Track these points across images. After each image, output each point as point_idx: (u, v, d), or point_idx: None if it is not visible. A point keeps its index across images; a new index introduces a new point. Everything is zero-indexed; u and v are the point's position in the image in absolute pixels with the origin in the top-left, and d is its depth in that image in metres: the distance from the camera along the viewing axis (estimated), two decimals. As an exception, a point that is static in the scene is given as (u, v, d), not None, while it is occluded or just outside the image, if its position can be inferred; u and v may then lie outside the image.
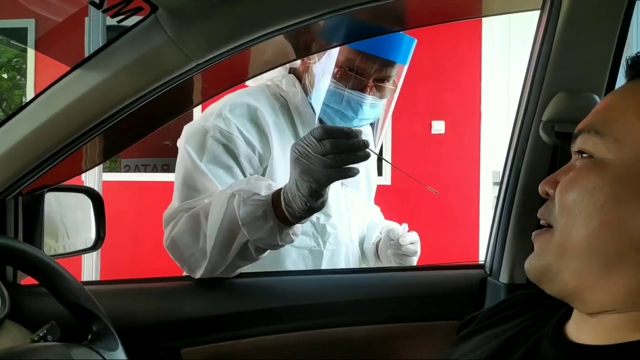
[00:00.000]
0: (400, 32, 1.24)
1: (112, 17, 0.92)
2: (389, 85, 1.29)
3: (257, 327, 1.07)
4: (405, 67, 1.30)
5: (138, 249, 3.87)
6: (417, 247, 1.34)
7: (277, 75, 1.35)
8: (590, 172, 0.59)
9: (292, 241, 1.07)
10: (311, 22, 0.88)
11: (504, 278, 1.01)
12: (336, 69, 1.25)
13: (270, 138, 1.27)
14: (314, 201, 0.98)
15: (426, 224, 3.56)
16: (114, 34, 0.98)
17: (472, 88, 3.82)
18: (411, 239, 1.34)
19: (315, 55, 1.28)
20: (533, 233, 0.64)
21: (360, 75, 1.25)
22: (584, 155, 0.61)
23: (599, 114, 0.63)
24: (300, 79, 1.35)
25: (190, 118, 4.24)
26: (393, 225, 1.44)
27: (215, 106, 1.29)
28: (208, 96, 1.25)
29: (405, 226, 1.39)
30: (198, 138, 1.25)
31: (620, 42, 0.92)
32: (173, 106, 1.17)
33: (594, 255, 0.57)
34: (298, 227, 1.08)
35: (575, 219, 0.58)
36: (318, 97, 1.29)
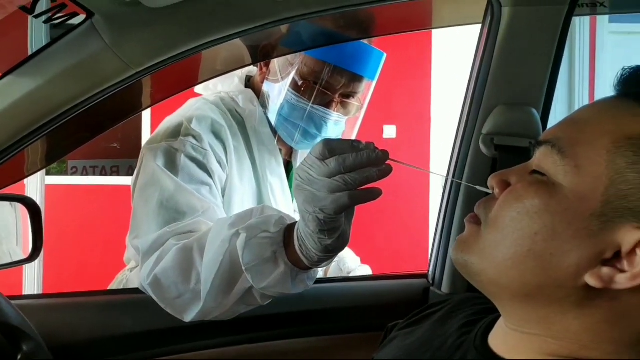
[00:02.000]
0: (370, 45, 1.18)
1: (45, 22, 0.89)
2: (354, 102, 1.20)
3: (199, 342, 1.05)
4: (373, 84, 1.22)
5: (84, 257, 3.76)
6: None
7: (234, 90, 1.25)
8: (537, 194, 0.56)
9: (308, 288, 0.90)
10: (251, 32, 0.87)
11: (445, 288, 1.02)
12: (300, 82, 1.15)
13: (231, 161, 1.17)
14: (327, 237, 0.79)
15: (376, 229, 3.60)
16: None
17: (422, 93, 3.88)
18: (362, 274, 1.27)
19: (276, 64, 1.19)
20: (468, 215, 0.63)
21: (326, 90, 1.15)
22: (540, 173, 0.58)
23: (570, 128, 0.58)
24: (257, 91, 1.25)
25: (139, 123, 4.13)
26: (345, 254, 1.36)
27: (174, 120, 1.17)
28: (155, 101, 1.20)
29: (357, 260, 1.33)
30: (169, 157, 1.09)
31: (558, 56, 0.94)
32: (116, 112, 1.13)
33: (514, 277, 0.56)
34: (315, 271, 0.91)
35: (507, 236, 0.57)
36: (278, 112, 1.19)
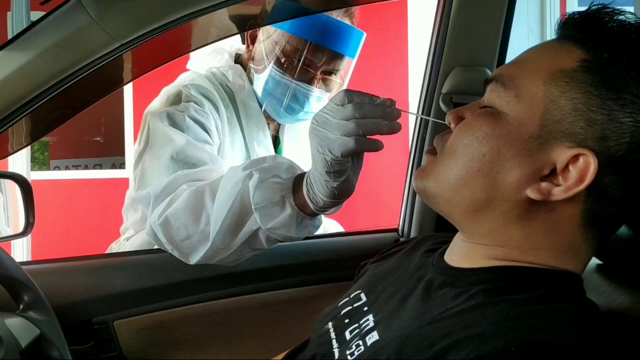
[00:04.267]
0: (350, 25, 1.22)
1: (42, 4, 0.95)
2: (336, 79, 1.26)
3: (188, 297, 1.12)
4: (354, 61, 1.26)
5: (70, 250, 3.79)
6: None
7: (224, 65, 1.31)
8: (484, 122, 0.64)
9: (311, 234, 0.94)
10: (232, 4, 0.94)
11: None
12: (283, 59, 1.21)
13: (224, 129, 1.23)
14: (332, 180, 0.83)
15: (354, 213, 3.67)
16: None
17: (400, 73, 3.96)
18: None
19: (261, 43, 1.25)
20: (428, 149, 0.71)
21: (307, 67, 1.21)
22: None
23: (513, 66, 0.66)
24: (246, 67, 1.31)
25: (121, 119, 4.13)
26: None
27: (172, 90, 1.23)
28: (141, 73, 1.25)
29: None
30: (174, 119, 1.15)
31: (508, 20, 1.03)
32: (99, 86, 1.19)
33: (466, 195, 0.65)
34: (319, 219, 0.95)
35: (459, 160, 0.65)
36: (263, 87, 1.26)
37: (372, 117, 0.78)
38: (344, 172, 0.83)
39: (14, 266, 0.92)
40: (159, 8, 0.95)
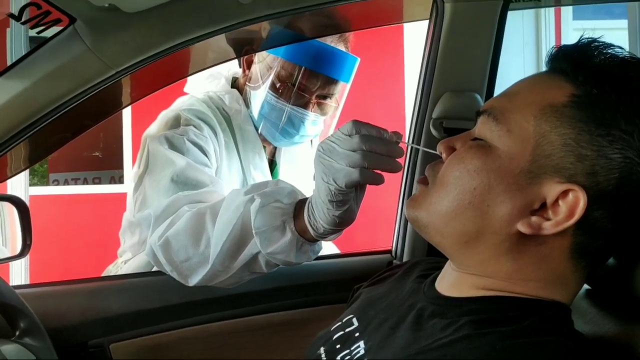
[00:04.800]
0: (344, 51, 1.26)
1: (32, 28, 0.97)
2: (331, 103, 1.28)
3: (183, 319, 1.13)
4: (348, 86, 1.29)
5: (68, 265, 3.79)
6: None
7: (221, 90, 1.33)
8: (476, 155, 0.64)
9: (310, 259, 0.95)
10: (221, 33, 0.96)
11: (406, 259, 1.12)
12: (278, 84, 1.24)
13: (221, 153, 1.25)
14: (335, 209, 0.84)
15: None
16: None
17: (396, 94, 4.00)
18: None
19: (257, 67, 1.28)
20: (419, 177, 0.72)
21: (302, 92, 1.23)
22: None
23: (504, 99, 0.66)
24: (241, 91, 1.33)
25: (119, 134, 4.13)
26: None
27: (170, 114, 1.25)
28: (138, 97, 1.27)
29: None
30: (174, 142, 1.17)
31: (497, 46, 1.05)
32: (96, 111, 1.20)
33: (457, 226, 0.66)
34: (319, 245, 0.96)
35: (450, 192, 0.65)
36: (259, 111, 1.28)
37: (377, 151, 0.80)
38: (346, 202, 0.84)
39: (9, 292, 0.93)
40: (154, 36, 0.97)
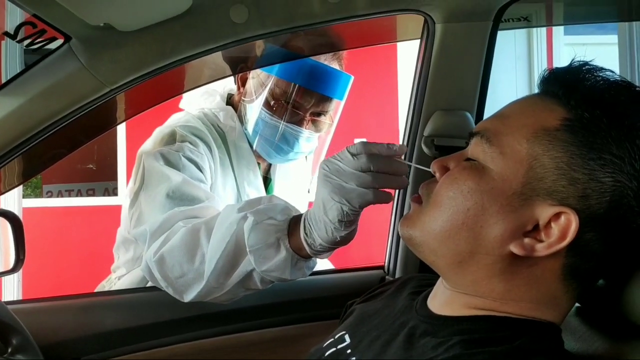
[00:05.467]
0: (337, 69, 1.28)
1: (27, 46, 0.98)
2: (325, 120, 1.30)
3: (175, 336, 1.13)
4: (342, 103, 1.31)
5: (61, 278, 3.77)
6: None
7: (216, 107, 1.34)
8: (469, 176, 0.65)
9: (305, 276, 0.94)
10: (214, 52, 0.97)
11: (399, 275, 1.13)
12: (273, 101, 1.25)
13: (216, 169, 1.26)
14: (342, 229, 0.83)
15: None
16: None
17: (390, 111, 4.03)
18: None
19: (251, 85, 1.28)
20: (413, 196, 0.73)
21: (297, 109, 1.25)
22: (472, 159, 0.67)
23: (497, 121, 0.67)
24: (236, 108, 1.34)
25: (114, 145, 4.11)
26: None
27: (165, 130, 1.26)
28: (134, 113, 1.28)
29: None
30: (170, 158, 1.17)
31: (487, 65, 1.06)
32: (90, 128, 1.21)
33: (450, 246, 0.66)
34: (314, 261, 0.95)
35: (444, 212, 0.66)
36: (253, 128, 1.29)
37: (385, 170, 0.81)
38: (355, 222, 0.84)
39: (1, 308, 0.93)
40: (149, 55, 0.98)
